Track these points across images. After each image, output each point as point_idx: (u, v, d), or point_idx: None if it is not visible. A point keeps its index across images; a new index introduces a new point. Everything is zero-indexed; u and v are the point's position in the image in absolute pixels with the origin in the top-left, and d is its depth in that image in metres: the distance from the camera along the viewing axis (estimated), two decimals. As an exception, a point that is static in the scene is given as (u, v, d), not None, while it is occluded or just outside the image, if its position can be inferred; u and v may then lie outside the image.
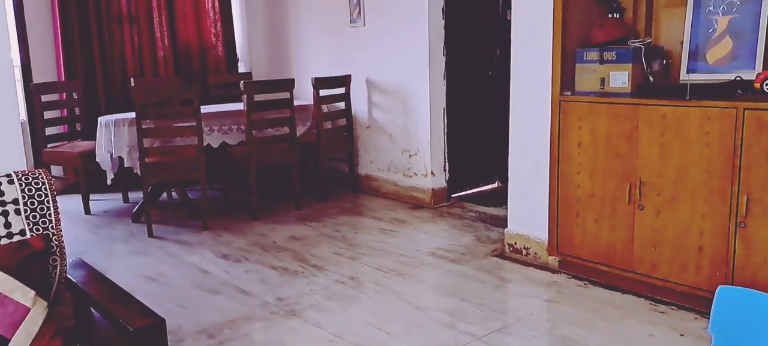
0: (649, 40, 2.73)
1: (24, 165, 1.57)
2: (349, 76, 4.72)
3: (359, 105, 4.83)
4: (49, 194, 1.42)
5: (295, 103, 4.31)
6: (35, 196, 1.40)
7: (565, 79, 2.79)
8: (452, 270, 3.11)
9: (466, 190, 4.61)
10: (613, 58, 2.65)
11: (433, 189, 4.37)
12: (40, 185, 1.41)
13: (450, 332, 2.43)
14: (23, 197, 1.38)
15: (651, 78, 2.66)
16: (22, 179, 1.41)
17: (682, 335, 2.34)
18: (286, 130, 4.26)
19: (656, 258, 2.56)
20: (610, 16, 2.83)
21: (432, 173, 4.37)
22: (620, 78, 2.64)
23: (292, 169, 4.32)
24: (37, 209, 1.40)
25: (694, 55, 2.64)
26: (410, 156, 4.50)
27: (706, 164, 2.35)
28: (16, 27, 4.73)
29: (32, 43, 4.78)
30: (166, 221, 4.16)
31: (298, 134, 4.38)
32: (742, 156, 2.25)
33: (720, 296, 1.55)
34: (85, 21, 4.91)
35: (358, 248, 3.50)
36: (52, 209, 1.42)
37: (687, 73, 2.64)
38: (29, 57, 4.79)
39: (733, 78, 2.44)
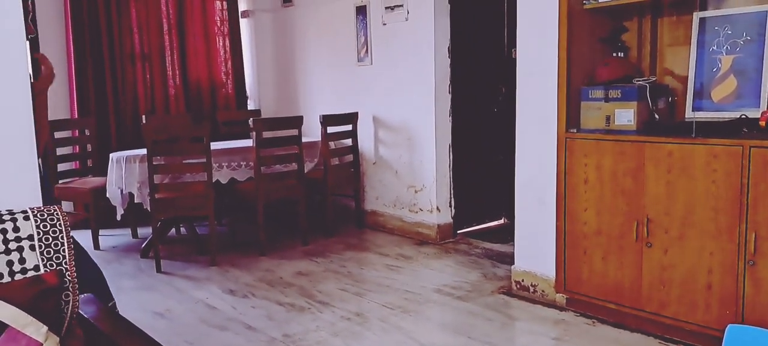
0: (654, 79, 2.77)
1: (39, 202, 1.59)
2: (357, 113, 4.78)
3: (366, 141, 4.87)
4: (63, 230, 1.44)
5: (304, 139, 4.36)
6: (50, 232, 1.43)
7: (571, 117, 2.82)
8: (459, 308, 3.10)
9: (472, 226, 4.61)
10: (619, 96, 2.68)
11: (438, 225, 4.37)
12: (55, 221, 1.43)
13: (458, 370, 2.40)
14: (38, 233, 1.41)
15: (656, 116, 2.68)
16: (38, 215, 1.43)
17: (693, 375, 2.31)
18: (294, 166, 4.29)
19: (665, 296, 2.54)
20: (614, 54, 2.88)
21: (437, 208, 4.38)
22: (626, 116, 2.66)
23: (299, 205, 4.35)
24: (52, 245, 1.42)
25: (699, 94, 2.66)
26: (416, 192, 4.52)
27: (713, 202, 2.36)
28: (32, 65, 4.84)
29: (47, 81, 4.89)
30: (174, 256, 4.17)
31: (306, 170, 4.42)
32: (749, 194, 2.25)
33: (730, 335, 1.55)
34: (99, 59, 5.03)
35: (364, 284, 3.49)
36: (65, 244, 1.45)
37: (692, 111, 2.67)
38: (44, 94, 4.89)
39: (738, 116, 2.46)
